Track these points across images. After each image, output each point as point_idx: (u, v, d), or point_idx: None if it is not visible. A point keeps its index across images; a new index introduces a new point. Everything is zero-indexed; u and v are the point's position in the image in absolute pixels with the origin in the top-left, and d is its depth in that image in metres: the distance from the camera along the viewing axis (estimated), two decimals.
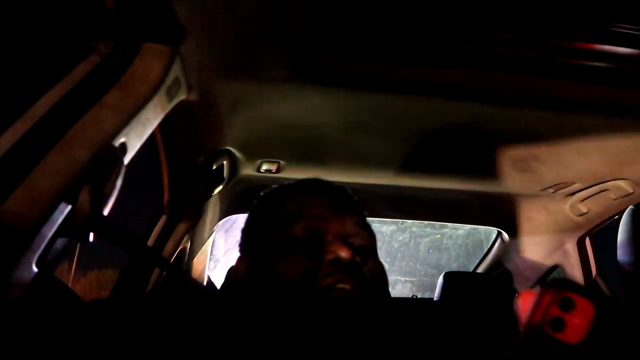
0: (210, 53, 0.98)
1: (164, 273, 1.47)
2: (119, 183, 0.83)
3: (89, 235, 0.76)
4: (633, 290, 1.30)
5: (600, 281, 2.03)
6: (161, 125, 1.23)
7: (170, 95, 0.95)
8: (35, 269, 0.69)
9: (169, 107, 0.98)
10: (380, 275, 0.72)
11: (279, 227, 0.73)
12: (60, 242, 0.74)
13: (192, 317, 0.68)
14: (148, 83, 0.86)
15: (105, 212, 0.80)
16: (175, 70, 0.92)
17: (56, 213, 0.71)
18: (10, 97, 0.80)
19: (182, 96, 1.02)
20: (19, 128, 0.73)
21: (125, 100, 0.83)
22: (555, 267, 2.19)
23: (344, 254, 0.66)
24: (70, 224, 0.73)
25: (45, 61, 0.86)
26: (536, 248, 2.22)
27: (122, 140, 0.83)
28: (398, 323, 0.80)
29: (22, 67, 0.84)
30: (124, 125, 0.82)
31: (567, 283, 0.51)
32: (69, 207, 0.73)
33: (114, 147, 0.81)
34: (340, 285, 0.64)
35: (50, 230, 0.70)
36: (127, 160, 0.88)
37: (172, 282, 1.46)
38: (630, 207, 1.35)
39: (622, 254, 1.35)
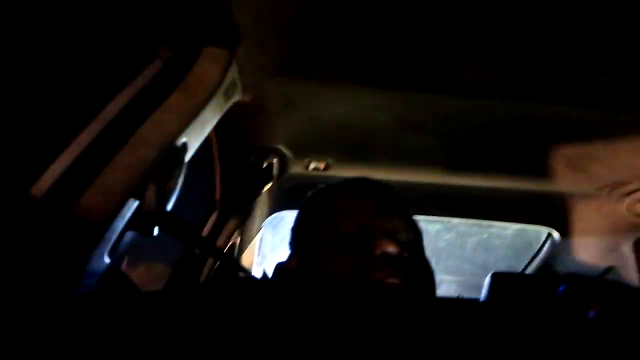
0: (265, 55, 1.02)
1: (217, 265, 1.52)
2: (180, 180, 0.87)
3: (153, 229, 0.81)
4: None
5: None
6: (216, 125, 1.28)
7: (227, 97, 1.00)
8: (107, 259, 0.74)
9: (226, 107, 1.03)
10: (427, 270, 0.74)
11: (328, 224, 0.75)
12: (128, 235, 0.80)
13: (252, 307, 0.71)
14: (207, 86, 0.91)
15: (168, 207, 0.86)
16: (232, 73, 0.96)
17: (125, 208, 0.76)
18: (84, 101, 0.86)
19: (237, 97, 1.06)
20: (92, 130, 0.79)
21: (187, 103, 0.88)
22: (610, 269, 2.11)
23: (391, 249, 0.67)
24: (138, 218, 0.78)
25: (115, 67, 0.92)
26: (589, 249, 2.15)
27: (183, 140, 0.88)
28: (443, 322, 0.81)
29: (93, 73, 0.90)
30: (185, 126, 0.87)
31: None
32: (137, 202, 0.78)
33: (176, 146, 0.86)
34: (390, 280, 0.66)
35: (120, 224, 0.76)
36: (187, 158, 0.93)
37: (228, 274, 1.51)
38: None
39: None
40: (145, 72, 0.88)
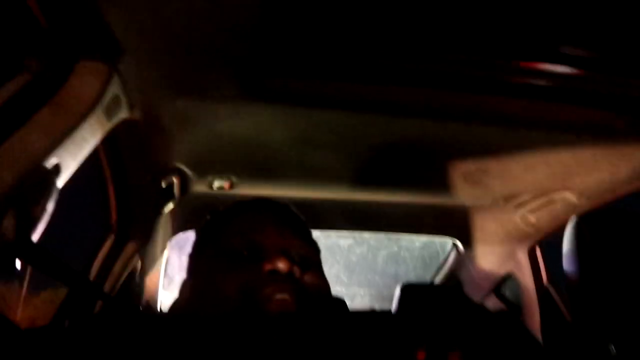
0: (151, 71, 0.96)
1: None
2: (50, 206, 0.79)
3: (14, 262, 0.72)
4: (578, 299, 1.34)
5: (551, 289, 2.09)
6: (105, 144, 1.19)
7: (109, 114, 0.92)
8: None
9: (109, 126, 0.95)
10: (320, 286, 0.73)
11: (221, 244, 0.73)
12: None
13: (130, 343, 0.65)
14: (83, 102, 0.83)
15: (35, 237, 0.76)
16: (114, 89, 0.89)
17: None
18: None
19: (123, 115, 0.99)
20: None
21: (58, 120, 0.80)
22: (508, 276, 2.25)
23: (281, 265, 0.67)
24: None
25: None
26: (490, 258, 2.27)
27: (54, 161, 0.80)
28: (350, 334, 0.80)
29: None
30: (57, 146, 0.79)
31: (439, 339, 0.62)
32: None
33: (44, 168, 0.77)
34: (279, 296, 0.65)
35: None
36: (61, 182, 0.84)
37: (114, 310, 1.40)
38: (573, 218, 1.39)
39: (567, 264, 1.40)
40: (8, 87, 0.78)
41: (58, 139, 0.79)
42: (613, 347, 1.25)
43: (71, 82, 0.83)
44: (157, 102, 1.06)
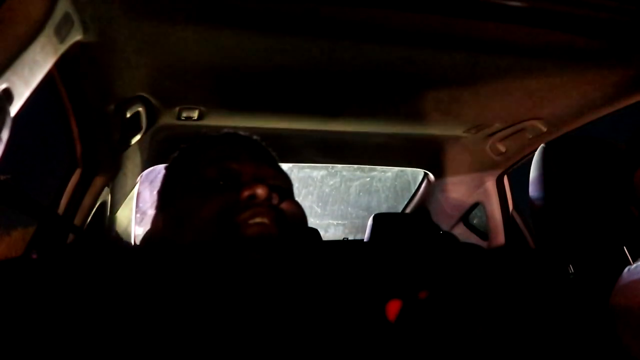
0: None
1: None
2: (4, 135, 0.74)
3: None
4: (542, 224, 1.39)
5: (516, 216, 2.16)
6: (60, 70, 1.12)
7: (60, 35, 0.86)
8: None
9: (62, 48, 0.89)
10: (297, 213, 0.73)
11: (195, 174, 0.72)
12: None
13: (99, 273, 0.65)
14: (29, 20, 0.77)
15: None
16: (64, 6, 0.82)
17: None
18: None
19: (77, 36, 0.92)
20: None
21: (3, 40, 0.74)
22: (476, 205, 2.31)
23: (260, 190, 0.66)
24: None
25: None
26: (459, 187, 2.32)
27: (3, 85, 0.75)
28: (324, 262, 0.82)
29: None
30: (4, 69, 0.73)
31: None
32: None
33: None
34: (258, 219, 0.64)
35: None
36: (14, 108, 0.80)
37: (84, 241, 1.39)
38: (541, 145, 1.42)
39: (533, 190, 1.43)
40: None
41: (4, 61, 0.74)
42: (571, 268, 1.31)
43: None
44: (112, 24, 0.99)
